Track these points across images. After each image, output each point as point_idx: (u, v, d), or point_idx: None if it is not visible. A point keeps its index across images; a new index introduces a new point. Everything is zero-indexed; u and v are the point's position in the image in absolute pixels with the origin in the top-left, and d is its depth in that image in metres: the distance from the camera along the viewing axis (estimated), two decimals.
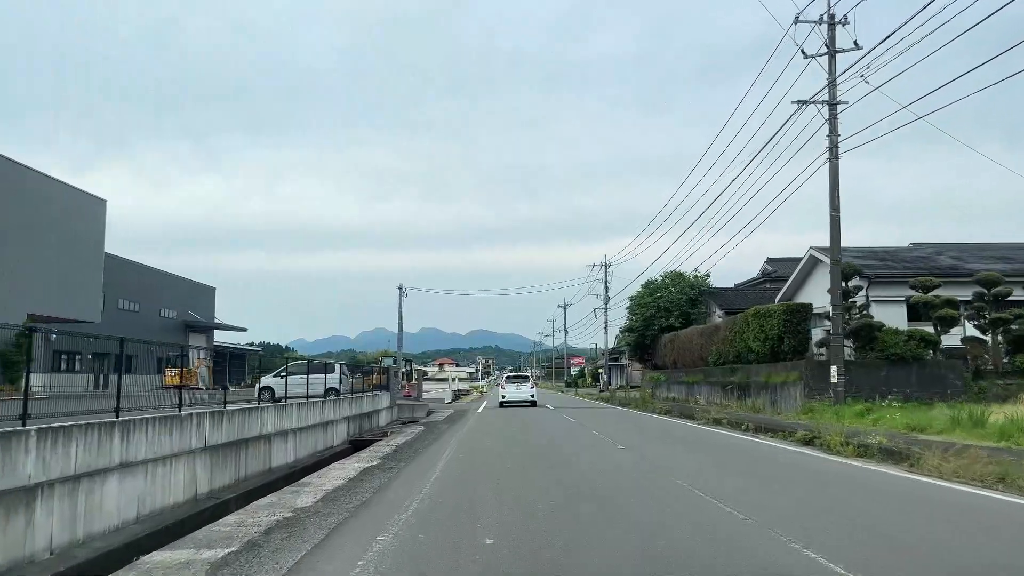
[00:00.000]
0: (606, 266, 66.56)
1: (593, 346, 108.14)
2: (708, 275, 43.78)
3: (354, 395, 27.57)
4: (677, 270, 43.96)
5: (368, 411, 28.18)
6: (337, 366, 31.13)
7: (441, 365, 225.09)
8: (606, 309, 66.48)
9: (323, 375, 29.71)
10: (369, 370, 35.46)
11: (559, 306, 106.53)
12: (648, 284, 45.83)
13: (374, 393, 31.16)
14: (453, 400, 57.42)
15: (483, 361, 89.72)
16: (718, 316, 40.01)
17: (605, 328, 66.71)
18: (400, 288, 46.77)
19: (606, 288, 66.42)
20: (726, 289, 44.64)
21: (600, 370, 72.16)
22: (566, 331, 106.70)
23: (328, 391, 29.31)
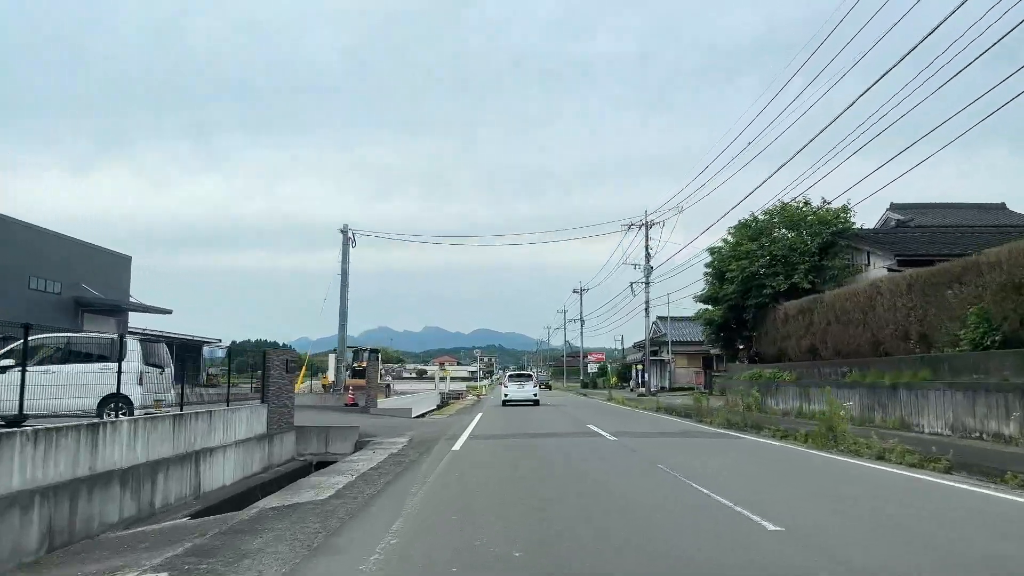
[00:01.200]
0: (647, 225, 49.15)
1: (614, 342, 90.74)
2: (848, 209, 26.22)
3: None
4: (803, 198, 26.52)
5: (157, 460, 10.72)
6: (136, 346, 13.67)
7: (441, 363, 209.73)
8: (647, 283, 48.98)
9: (98, 366, 13.14)
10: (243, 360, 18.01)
11: (574, 291, 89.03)
12: (743, 226, 28.37)
13: (215, 408, 13.64)
14: (435, 409, 39.93)
15: (480, 355, 72.35)
16: (883, 270, 22.64)
17: (646, 309, 49.19)
18: (344, 231, 29.35)
19: (647, 255, 49.00)
20: (883, 231, 26.97)
21: (638, 367, 54.23)
22: (582, 321, 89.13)
23: (108, 402, 12.54)
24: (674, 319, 57.02)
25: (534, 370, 77.03)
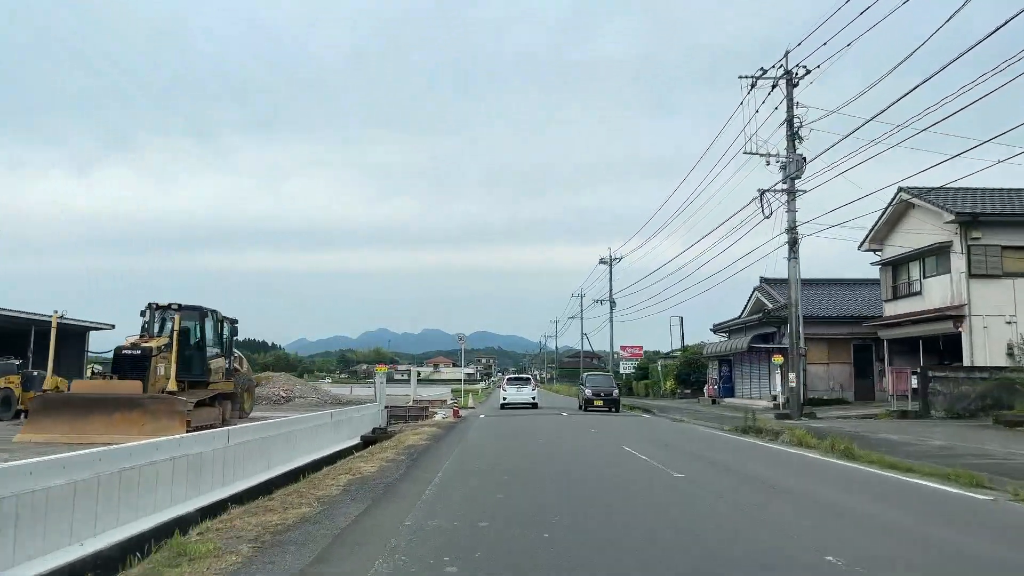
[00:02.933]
0: (790, 78, 24.47)
1: (670, 327, 65.94)
2: None
3: None
4: None
5: None
6: None
7: (436, 364, 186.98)
8: (791, 192, 24.25)
9: None
10: None
11: (601, 261, 64.19)
12: None
13: None
14: (285, 476, 15.46)
15: (462, 340, 50.05)
16: None
17: (792, 240, 24.30)
18: None
19: (793, 134, 24.22)
20: None
21: (781, 365, 27.80)
22: (612, 302, 63.71)
23: None
24: (805, 283, 32.39)
25: (533, 373, 67.19)
